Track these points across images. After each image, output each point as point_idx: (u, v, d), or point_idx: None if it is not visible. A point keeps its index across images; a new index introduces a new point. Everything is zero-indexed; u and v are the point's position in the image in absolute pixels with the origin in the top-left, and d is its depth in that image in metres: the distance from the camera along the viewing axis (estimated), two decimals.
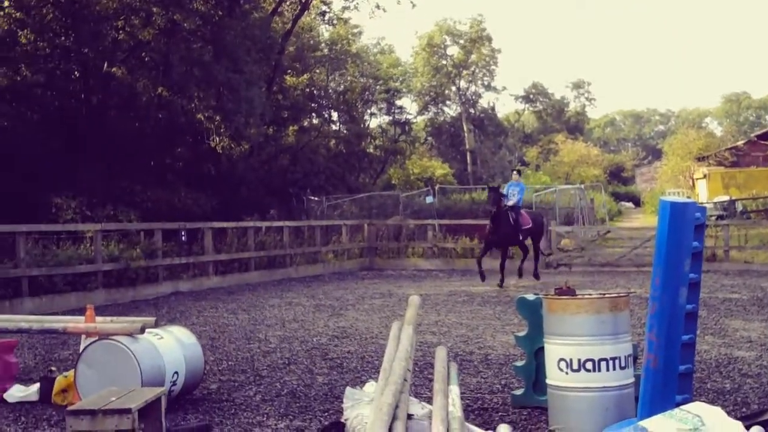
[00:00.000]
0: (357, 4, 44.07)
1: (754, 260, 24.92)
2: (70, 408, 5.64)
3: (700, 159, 62.81)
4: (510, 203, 19.63)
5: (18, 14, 25.44)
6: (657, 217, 6.28)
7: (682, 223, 6.08)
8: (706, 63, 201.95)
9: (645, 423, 5.53)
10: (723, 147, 65.73)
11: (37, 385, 8.18)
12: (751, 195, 47.52)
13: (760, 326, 12.44)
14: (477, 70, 70.25)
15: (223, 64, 27.33)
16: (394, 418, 5.31)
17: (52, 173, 24.19)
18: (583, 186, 45.70)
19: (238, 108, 27.77)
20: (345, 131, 46.10)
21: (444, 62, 68.77)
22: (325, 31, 47.33)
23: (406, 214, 35.08)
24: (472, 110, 70.04)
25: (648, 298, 6.47)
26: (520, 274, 20.40)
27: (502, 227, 19.46)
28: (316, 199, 36.35)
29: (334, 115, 48.61)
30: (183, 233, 21.75)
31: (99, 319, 8.20)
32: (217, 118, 28.09)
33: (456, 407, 6.02)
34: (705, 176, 56.26)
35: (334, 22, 45.38)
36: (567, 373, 6.39)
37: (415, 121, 63.97)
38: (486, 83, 71.15)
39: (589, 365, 6.30)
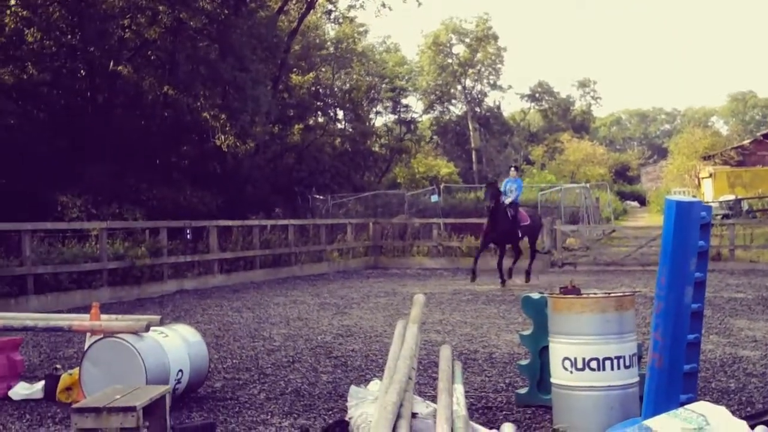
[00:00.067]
0: (363, 2, 44.14)
1: (760, 259, 24.88)
2: (75, 405, 5.65)
3: (706, 158, 62.67)
4: (508, 200, 19.55)
5: (24, 13, 25.50)
6: (662, 217, 6.27)
7: (688, 222, 6.07)
8: (712, 62, 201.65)
9: (649, 422, 5.52)
10: (729, 146, 65.55)
11: (42, 382, 8.19)
12: (757, 194, 47.39)
13: (765, 326, 12.41)
14: (483, 69, 70.23)
15: (229, 63, 27.36)
16: (398, 416, 5.31)
17: (58, 171, 24.24)
18: (588, 185, 45.67)
19: (243, 106, 27.80)
20: (350, 130, 46.12)
21: (450, 61, 68.75)
22: (330, 30, 47.43)
23: (412, 212, 35.10)
24: (477, 109, 70.00)
25: (653, 297, 6.46)
26: (510, 275, 20.04)
27: (500, 224, 19.33)
28: (321, 197, 36.38)
29: (340, 114, 48.71)
30: (188, 231, 21.78)
31: (104, 317, 8.20)
32: (223, 116, 28.13)
33: (460, 406, 6.02)
34: (711, 175, 56.15)
35: (340, 20, 45.43)
36: (572, 372, 6.38)
37: (420, 119, 64.06)
38: (492, 82, 71.17)
39: (593, 364, 6.30)
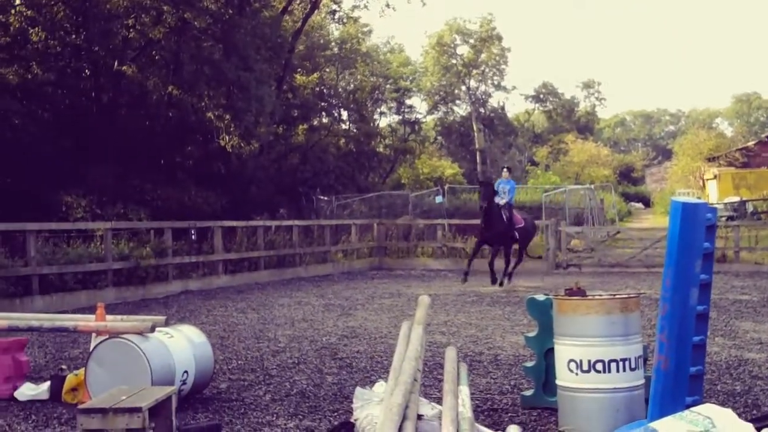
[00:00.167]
0: (367, 3, 43.99)
1: (765, 261, 24.84)
2: (81, 406, 5.66)
3: (711, 159, 62.63)
4: (502, 201, 19.50)
5: (29, 12, 25.53)
6: (667, 218, 6.26)
7: (694, 223, 6.06)
8: (717, 63, 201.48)
9: (655, 425, 5.51)
10: (733, 147, 65.51)
11: (48, 383, 8.19)
12: (762, 196, 47.35)
13: None
14: (487, 70, 70.15)
15: (233, 63, 27.37)
16: (404, 418, 5.31)
17: (62, 171, 24.26)
18: (593, 186, 45.65)
19: (248, 107, 27.80)
20: (355, 130, 46.10)
21: (454, 61, 68.70)
22: (335, 30, 47.40)
23: (416, 213, 35.11)
24: (482, 110, 69.95)
25: (658, 299, 6.45)
26: (510, 279, 19.99)
27: (495, 225, 19.26)
28: (325, 198, 36.40)
29: (344, 114, 48.68)
30: (193, 232, 21.79)
31: (109, 317, 8.22)
32: (227, 116, 28.12)
33: (466, 408, 6.02)
34: (715, 177, 56.08)
35: (344, 21, 45.42)
36: (577, 374, 6.38)
37: (424, 120, 64.01)
38: (496, 83, 71.07)
39: (599, 366, 6.29)
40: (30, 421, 7.28)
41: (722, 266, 23.34)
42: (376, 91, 51.16)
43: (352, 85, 48.31)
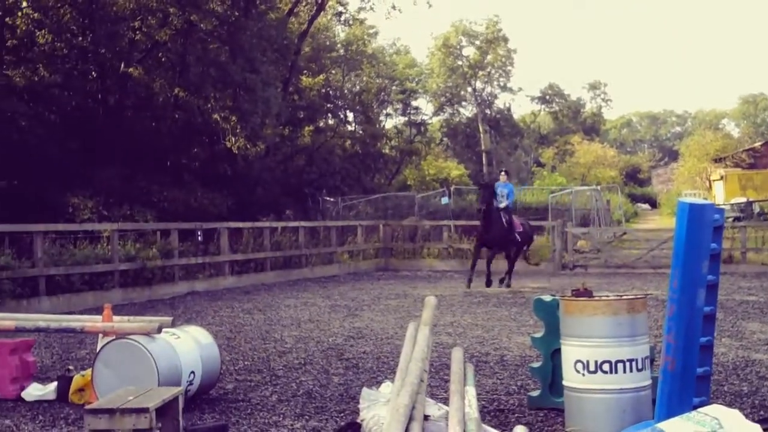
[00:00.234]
0: (373, 4, 44.23)
1: None
2: (88, 407, 5.67)
3: (717, 160, 62.51)
4: (502, 205, 19.44)
5: (36, 15, 25.61)
6: (674, 219, 6.25)
7: (701, 224, 6.05)
8: (723, 64, 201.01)
9: (662, 425, 5.50)
10: (740, 148, 65.39)
11: (55, 383, 8.21)
12: None
13: None
14: (493, 71, 70.14)
15: (239, 65, 27.42)
16: (410, 419, 5.31)
17: (69, 173, 24.32)
18: (599, 187, 45.58)
19: (254, 108, 27.85)
20: (361, 132, 46.16)
21: (460, 63, 68.69)
22: (341, 32, 47.48)
23: (422, 214, 35.11)
24: (488, 111, 69.92)
25: (665, 299, 6.45)
26: (509, 283, 19.91)
27: (494, 228, 19.18)
28: (331, 199, 36.43)
29: (350, 116, 48.74)
30: (199, 233, 21.82)
31: (116, 318, 8.22)
32: (233, 118, 28.17)
33: (472, 408, 6.01)
34: (722, 178, 56.02)
35: (350, 22, 45.46)
36: (584, 374, 6.37)
37: (430, 121, 64.06)
38: (502, 84, 71.06)
39: (606, 367, 6.28)
40: (37, 422, 7.29)
41: (729, 267, 23.28)
42: (382, 93, 51.23)
43: (358, 87, 48.37)
